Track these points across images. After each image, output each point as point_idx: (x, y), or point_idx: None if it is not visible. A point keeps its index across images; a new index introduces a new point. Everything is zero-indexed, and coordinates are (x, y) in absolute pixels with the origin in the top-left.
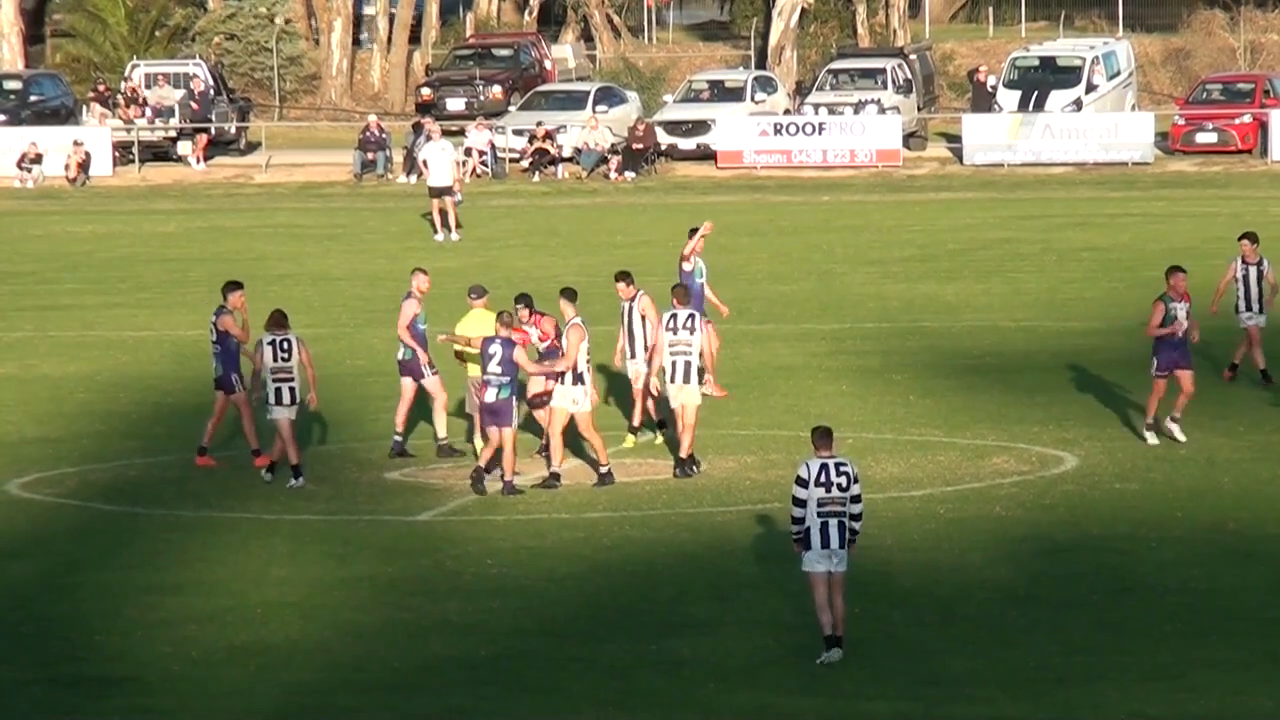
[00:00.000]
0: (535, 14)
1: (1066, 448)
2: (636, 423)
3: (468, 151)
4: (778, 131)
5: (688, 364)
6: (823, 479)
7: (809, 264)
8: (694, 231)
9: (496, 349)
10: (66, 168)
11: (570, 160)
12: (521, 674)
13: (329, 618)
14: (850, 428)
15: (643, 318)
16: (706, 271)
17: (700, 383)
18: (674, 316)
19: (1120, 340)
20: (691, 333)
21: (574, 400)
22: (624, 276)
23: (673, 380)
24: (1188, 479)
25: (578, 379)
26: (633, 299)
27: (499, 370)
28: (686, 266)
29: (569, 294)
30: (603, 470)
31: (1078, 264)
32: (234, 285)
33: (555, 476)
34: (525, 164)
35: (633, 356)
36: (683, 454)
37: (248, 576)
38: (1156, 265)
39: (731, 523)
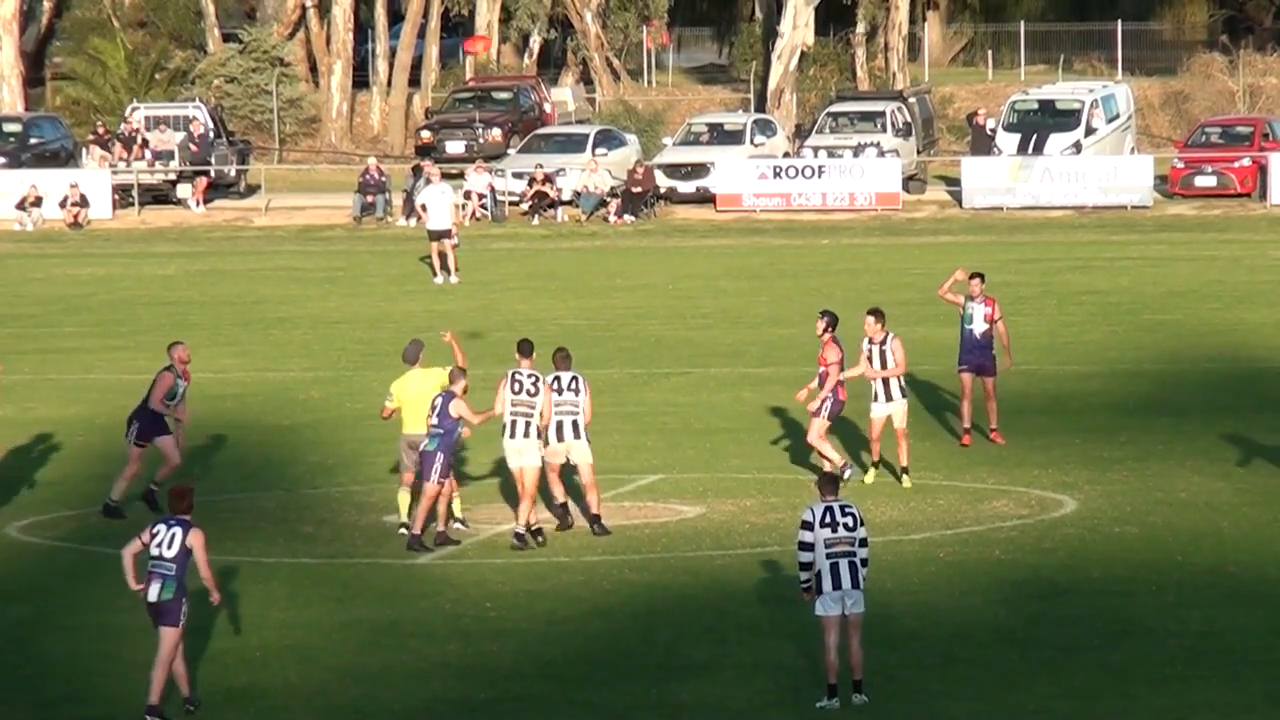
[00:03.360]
0: (535, 57)
1: (1066, 491)
2: (876, 457)
3: (467, 194)
4: (777, 174)
5: (574, 423)
6: (828, 520)
7: (808, 307)
8: None
9: (438, 402)
10: (63, 207)
11: (570, 203)
12: (520, 717)
13: (328, 661)
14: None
15: (894, 355)
16: None
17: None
18: (558, 379)
19: (1120, 384)
20: (576, 394)
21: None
22: (876, 314)
23: (560, 439)
24: (1187, 522)
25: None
26: (883, 340)
27: (436, 422)
28: None
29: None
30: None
31: (1077, 307)
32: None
33: (536, 532)
34: (525, 207)
35: (889, 399)
36: (594, 511)
37: (246, 619)
38: (1156, 309)
39: (730, 566)
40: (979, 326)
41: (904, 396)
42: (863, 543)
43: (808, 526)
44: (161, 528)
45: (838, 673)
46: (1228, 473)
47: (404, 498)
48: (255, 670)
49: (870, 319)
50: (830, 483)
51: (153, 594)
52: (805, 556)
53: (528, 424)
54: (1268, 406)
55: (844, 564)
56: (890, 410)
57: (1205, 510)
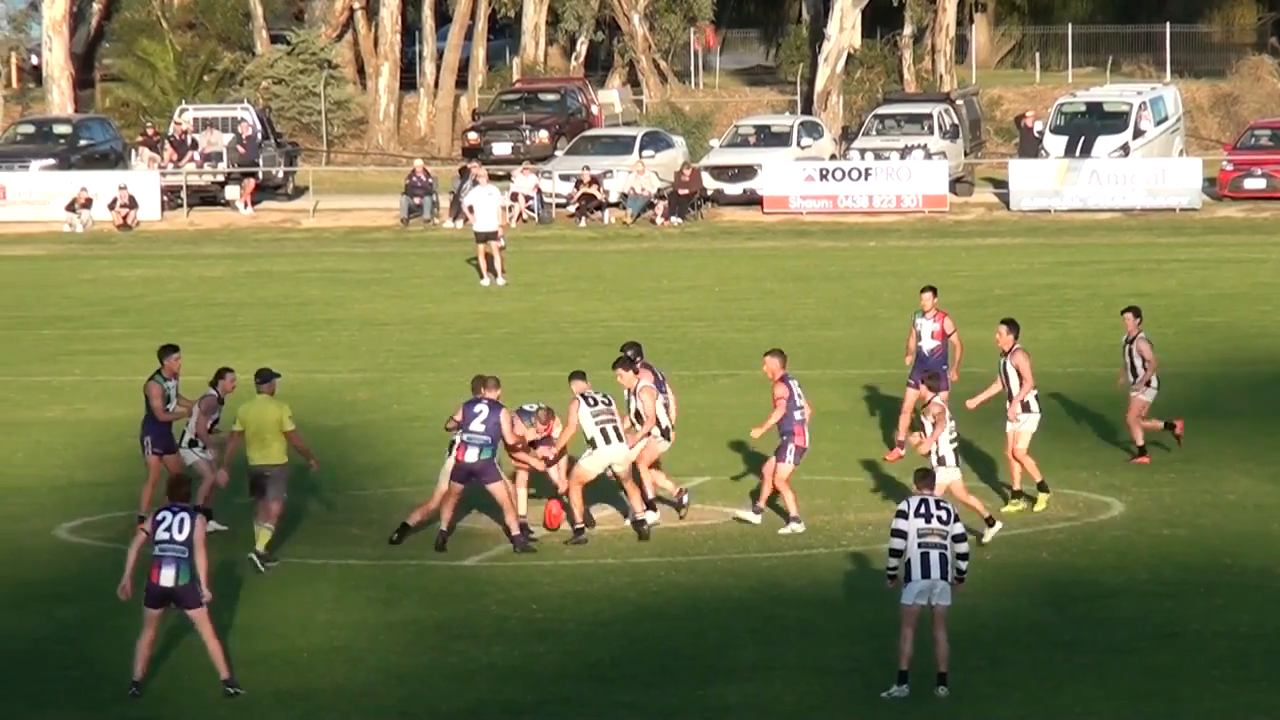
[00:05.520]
0: (582, 59)
1: (1114, 494)
2: (1039, 478)
3: (514, 196)
4: (824, 177)
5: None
6: (922, 511)
7: (855, 309)
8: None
9: (482, 409)
10: (112, 208)
11: (616, 205)
12: (567, 719)
13: (374, 662)
14: (897, 473)
15: (1017, 371)
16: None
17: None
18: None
19: (1168, 386)
20: (609, 404)
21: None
22: (1009, 325)
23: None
24: (1236, 525)
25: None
26: (1009, 351)
27: (481, 429)
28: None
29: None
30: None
31: None
32: (170, 349)
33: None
34: (572, 209)
35: (1028, 410)
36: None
37: (293, 621)
38: (1205, 311)
39: (778, 568)
40: (928, 344)
41: (1024, 416)
42: (957, 538)
43: (902, 515)
44: (167, 514)
45: (911, 660)
46: (1276, 475)
47: (264, 534)
48: (302, 671)
49: (1002, 328)
50: (925, 476)
51: (168, 578)
52: (897, 544)
53: (616, 429)
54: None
55: (935, 554)
56: (1010, 429)
57: (1254, 512)
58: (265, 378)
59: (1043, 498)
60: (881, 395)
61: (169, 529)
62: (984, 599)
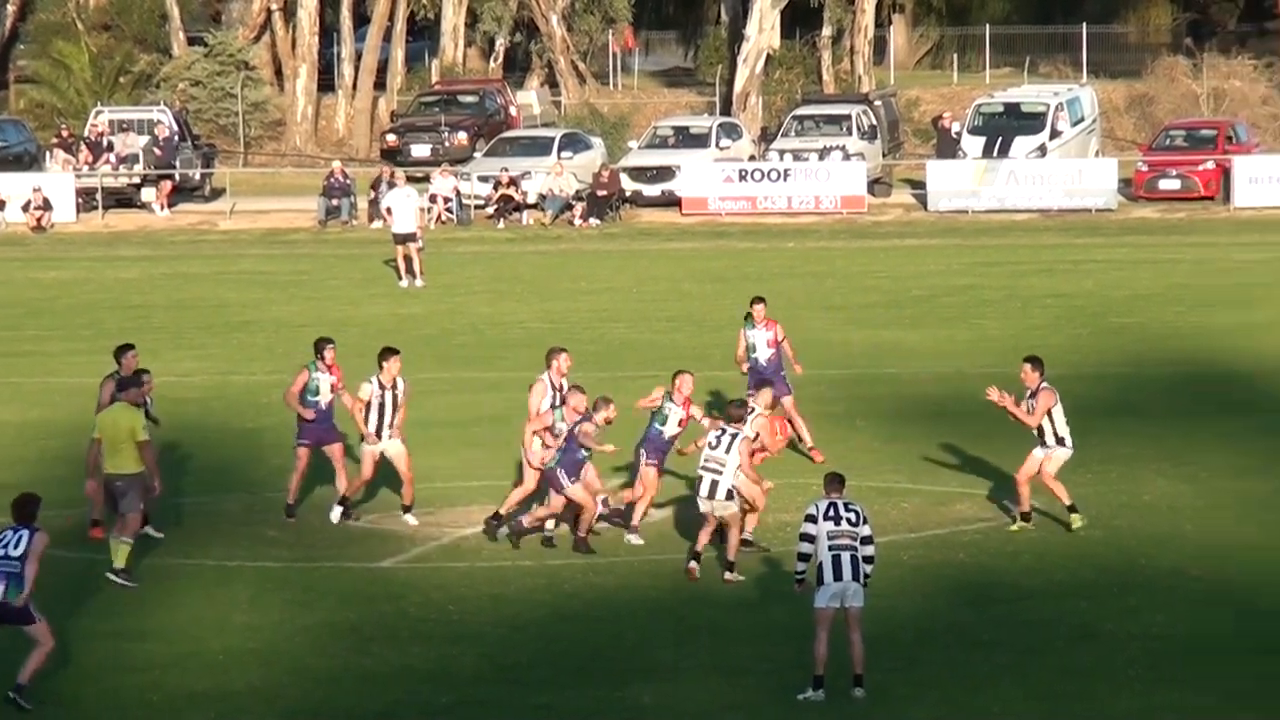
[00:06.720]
0: (501, 60)
1: (1031, 494)
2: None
3: (432, 198)
4: (743, 178)
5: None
6: (831, 514)
7: (773, 311)
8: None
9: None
10: (26, 210)
11: (535, 207)
12: None
13: (290, 664)
14: (815, 474)
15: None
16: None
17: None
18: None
19: (1084, 387)
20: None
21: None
22: (1034, 362)
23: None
24: (1151, 525)
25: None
26: (1034, 391)
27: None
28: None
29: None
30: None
31: (1042, 310)
32: (126, 347)
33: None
34: (490, 210)
35: (1063, 444)
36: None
37: (209, 623)
38: (1121, 312)
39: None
40: (763, 353)
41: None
42: (866, 540)
43: (811, 520)
44: (9, 532)
45: (826, 664)
46: (1191, 476)
47: (121, 549)
48: (217, 673)
49: (1026, 366)
50: (835, 480)
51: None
52: (805, 548)
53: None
54: (1231, 409)
55: (845, 556)
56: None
57: (1168, 514)
58: (123, 385)
59: (1075, 517)
60: (799, 396)
61: (5, 545)
62: (901, 600)
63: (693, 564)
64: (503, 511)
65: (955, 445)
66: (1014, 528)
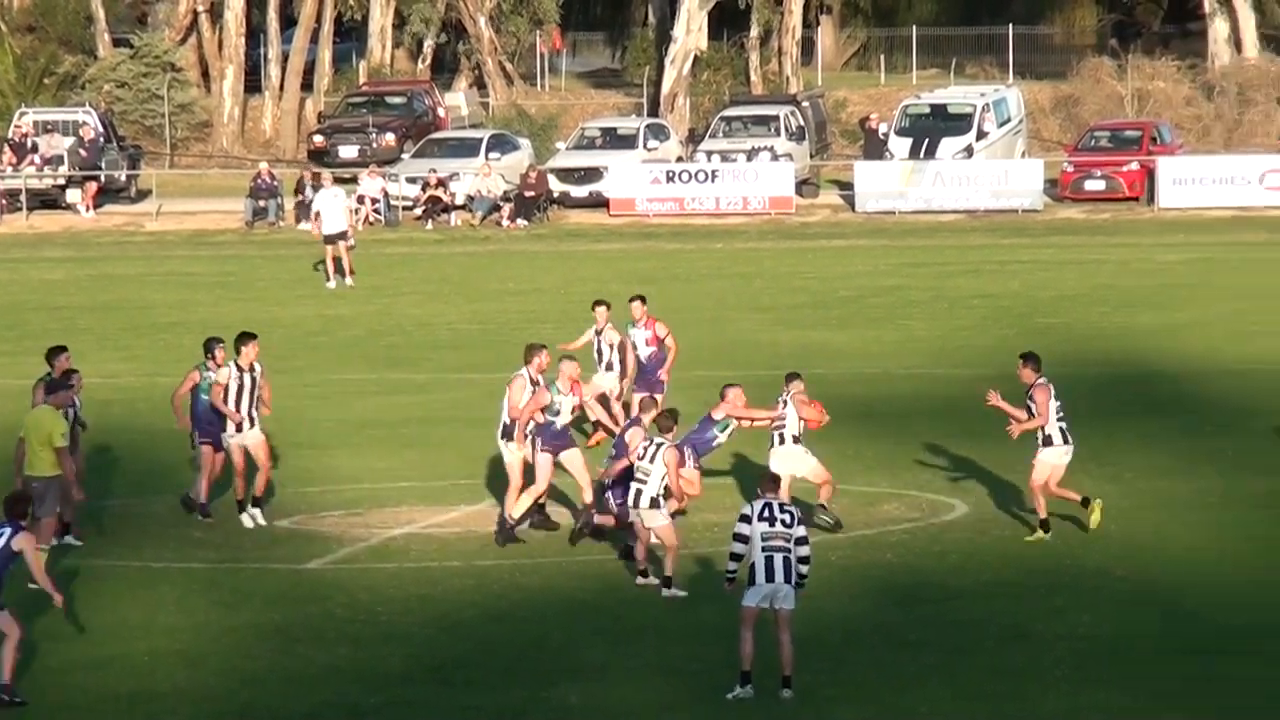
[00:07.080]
0: (428, 62)
1: (957, 495)
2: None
3: (360, 199)
4: (670, 179)
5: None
6: (766, 514)
7: (701, 311)
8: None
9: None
10: None
11: (463, 208)
12: None
13: (216, 665)
14: (743, 475)
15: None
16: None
17: None
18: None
19: (1011, 387)
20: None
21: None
22: (1029, 359)
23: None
24: (1076, 526)
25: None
26: (1031, 386)
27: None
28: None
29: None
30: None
31: (968, 311)
32: (59, 349)
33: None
34: (418, 212)
35: (1050, 443)
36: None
37: (134, 624)
38: (1047, 312)
39: (623, 569)
40: (644, 351)
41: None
42: (800, 541)
43: (746, 520)
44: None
45: (753, 660)
46: (1115, 476)
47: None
48: (143, 675)
49: (1020, 362)
50: (772, 480)
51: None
52: (738, 548)
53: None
54: (1155, 410)
55: (778, 558)
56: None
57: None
58: (52, 389)
59: (1096, 504)
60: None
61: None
62: (829, 600)
63: (639, 580)
64: (515, 516)
65: (882, 446)
66: (1031, 538)
